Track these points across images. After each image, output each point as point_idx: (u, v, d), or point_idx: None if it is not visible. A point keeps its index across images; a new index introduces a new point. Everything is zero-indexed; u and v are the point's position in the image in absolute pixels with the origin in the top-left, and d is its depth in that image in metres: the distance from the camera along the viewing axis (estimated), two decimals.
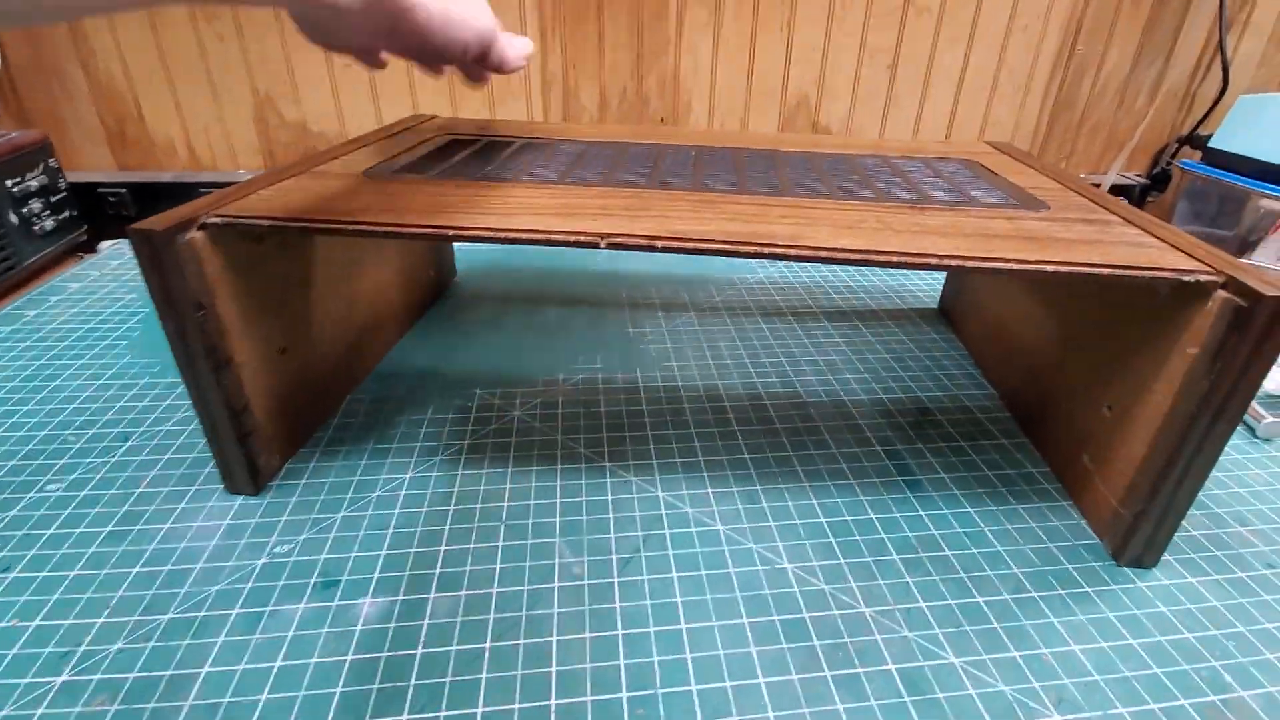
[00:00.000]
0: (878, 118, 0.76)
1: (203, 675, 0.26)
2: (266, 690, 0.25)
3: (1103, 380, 0.34)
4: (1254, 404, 0.43)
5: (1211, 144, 0.73)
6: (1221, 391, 0.27)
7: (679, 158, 0.42)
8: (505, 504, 0.34)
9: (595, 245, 0.29)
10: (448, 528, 0.32)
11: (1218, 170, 0.72)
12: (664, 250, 0.29)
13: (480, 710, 0.24)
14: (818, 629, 0.28)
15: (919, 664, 0.27)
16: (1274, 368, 0.45)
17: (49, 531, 0.32)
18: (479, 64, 0.35)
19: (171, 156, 0.72)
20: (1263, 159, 0.68)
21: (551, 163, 0.40)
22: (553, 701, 0.25)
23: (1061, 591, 0.30)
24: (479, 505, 0.34)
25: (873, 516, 0.34)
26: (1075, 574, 0.31)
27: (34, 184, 0.57)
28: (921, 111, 0.76)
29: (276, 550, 0.31)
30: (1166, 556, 0.32)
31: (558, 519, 0.33)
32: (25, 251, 0.56)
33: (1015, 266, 0.28)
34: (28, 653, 0.26)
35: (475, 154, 0.41)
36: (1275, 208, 0.68)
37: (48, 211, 0.58)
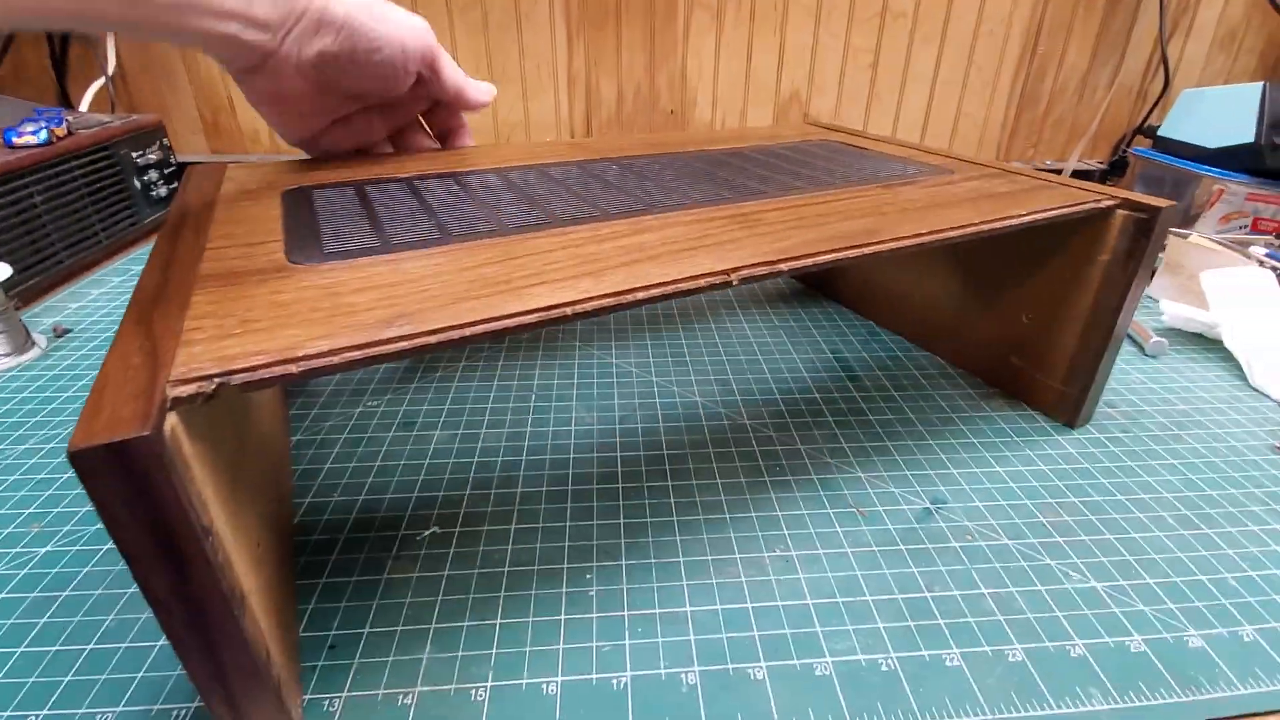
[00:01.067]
0: (862, 112, 0.87)
1: None
2: None
3: (1013, 300, 0.43)
4: (1143, 325, 0.52)
5: (1160, 133, 0.82)
6: (1134, 281, 0.37)
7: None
8: None
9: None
10: None
11: (1164, 155, 0.81)
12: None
13: None
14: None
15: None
16: (1170, 301, 0.54)
17: None
18: (434, 100, 0.35)
19: (255, 143, 0.85)
20: (1201, 144, 0.77)
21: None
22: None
23: (1019, 440, 0.40)
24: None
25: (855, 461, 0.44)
26: (1028, 432, 0.41)
27: (152, 157, 0.69)
28: (900, 107, 0.86)
29: None
30: (1040, 422, 0.42)
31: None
32: (144, 213, 0.69)
33: (1001, 223, 0.32)
34: None
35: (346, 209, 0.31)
36: (1214, 188, 0.77)
37: (161, 181, 0.71)
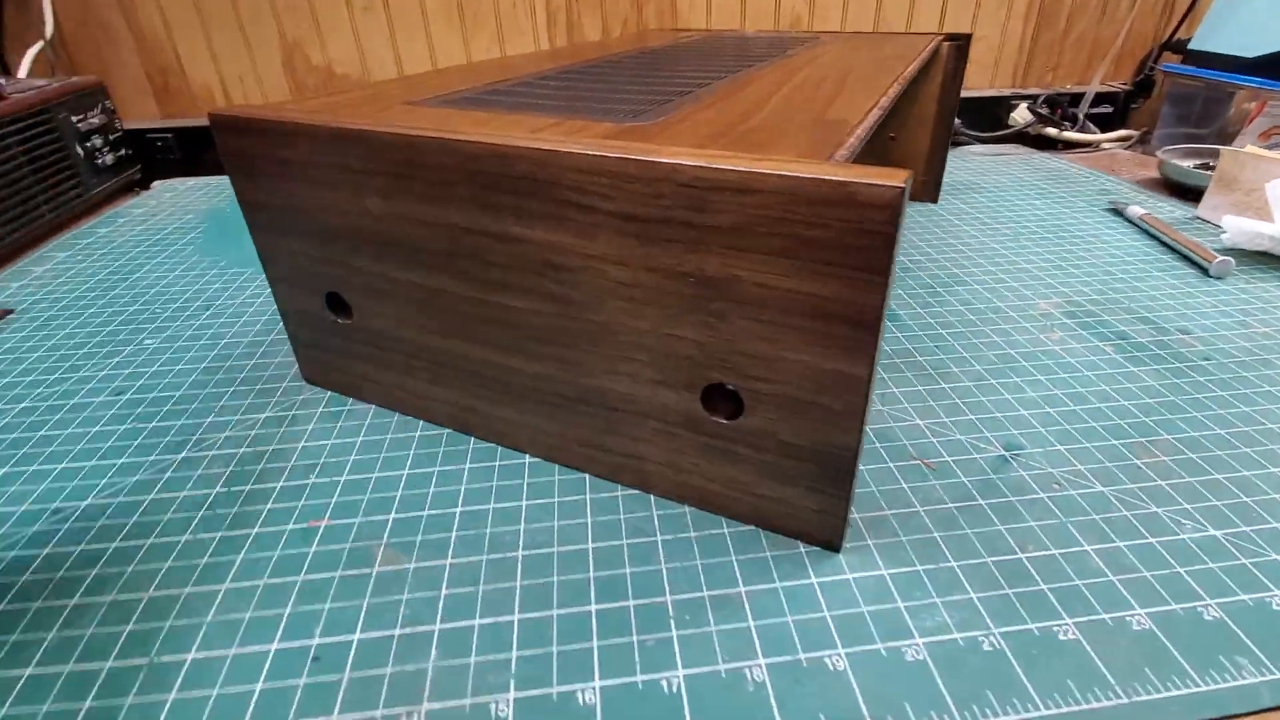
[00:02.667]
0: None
1: (299, 447, 0.31)
2: (349, 462, 0.31)
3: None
4: (1207, 249, 0.47)
5: (1191, 46, 0.76)
6: (958, 74, 0.56)
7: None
8: None
9: None
10: None
11: (1198, 69, 0.75)
12: None
13: None
14: None
15: None
16: (1234, 218, 0.49)
17: (153, 369, 0.38)
18: None
19: (210, 103, 0.78)
20: (1239, 54, 0.71)
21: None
22: None
23: (1090, 374, 0.35)
24: None
25: None
26: (1099, 365, 0.36)
27: (95, 122, 0.62)
28: (910, 25, 0.80)
29: None
30: (1114, 355, 0.37)
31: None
32: (90, 182, 0.62)
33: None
34: (150, 441, 0.32)
35: None
36: (1253, 101, 0.71)
37: (107, 148, 0.64)
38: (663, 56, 0.45)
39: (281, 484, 0.29)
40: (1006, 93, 0.82)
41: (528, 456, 0.30)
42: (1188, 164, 0.65)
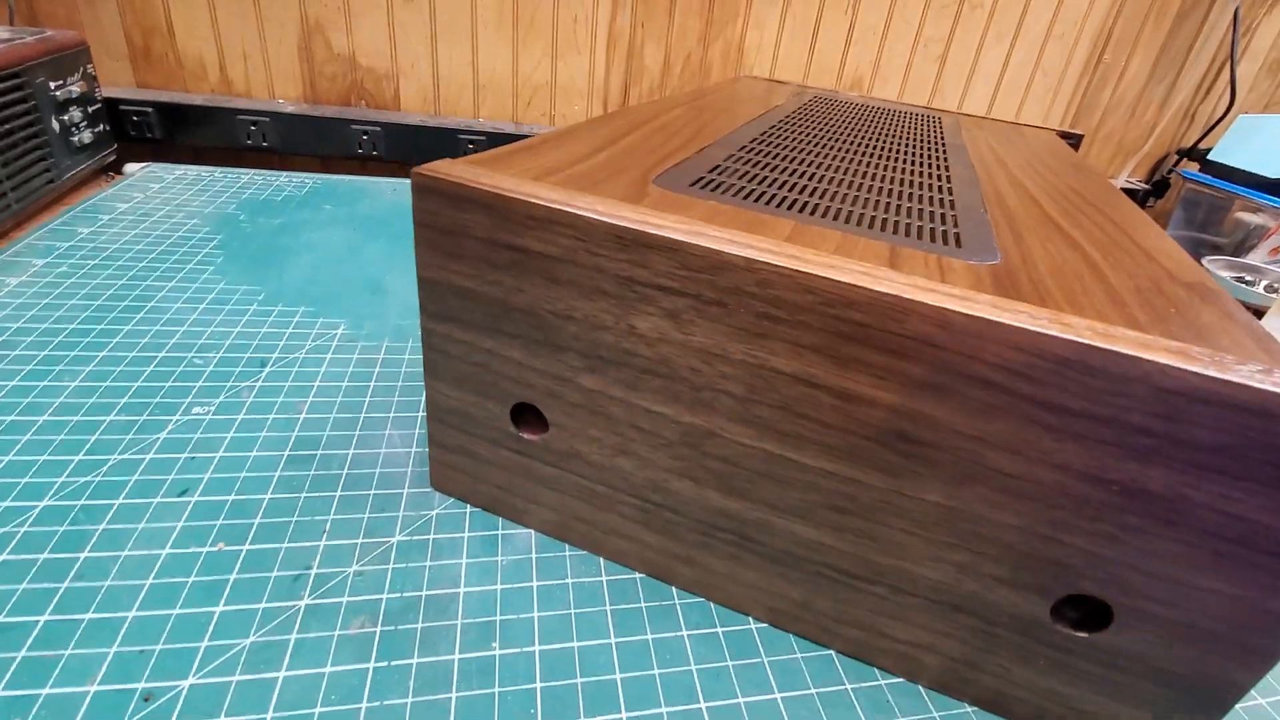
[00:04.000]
0: (924, 104, 0.79)
1: (460, 595, 0.25)
2: (535, 621, 0.24)
3: None
4: None
5: (1210, 157, 0.81)
6: None
7: None
8: None
9: None
10: None
11: (1217, 179, 0.79)
12: None
13: None
14: None
15: None
16: None
17: (218, 454, 0.29)
18: None
19: (200, 79, 0.67)
20: (1259, 172, 0.76)
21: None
22: None
23: None
24: None
25: None
26: None
27: (75, 90, 0.51)
28: (963, 104, 0.80)
29: None
30: None
31: None
32: (63, 165, 0.51)
33: None
34: (252, 577, 0.24)
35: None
36: (1255, 220, 0.76)
37: (85, 123, 0.53)
38: (824, 129, 0.41)
39: (458, 656, 0.22)
40: None
41: (752, 621, 0.25)
42: (1228, 275, 0.68)
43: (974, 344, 0.18)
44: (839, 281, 0.18)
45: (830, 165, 0.31)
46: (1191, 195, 0.83)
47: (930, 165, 0.34)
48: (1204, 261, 0.68)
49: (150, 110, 0.63)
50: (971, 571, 0.21)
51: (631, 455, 0.24)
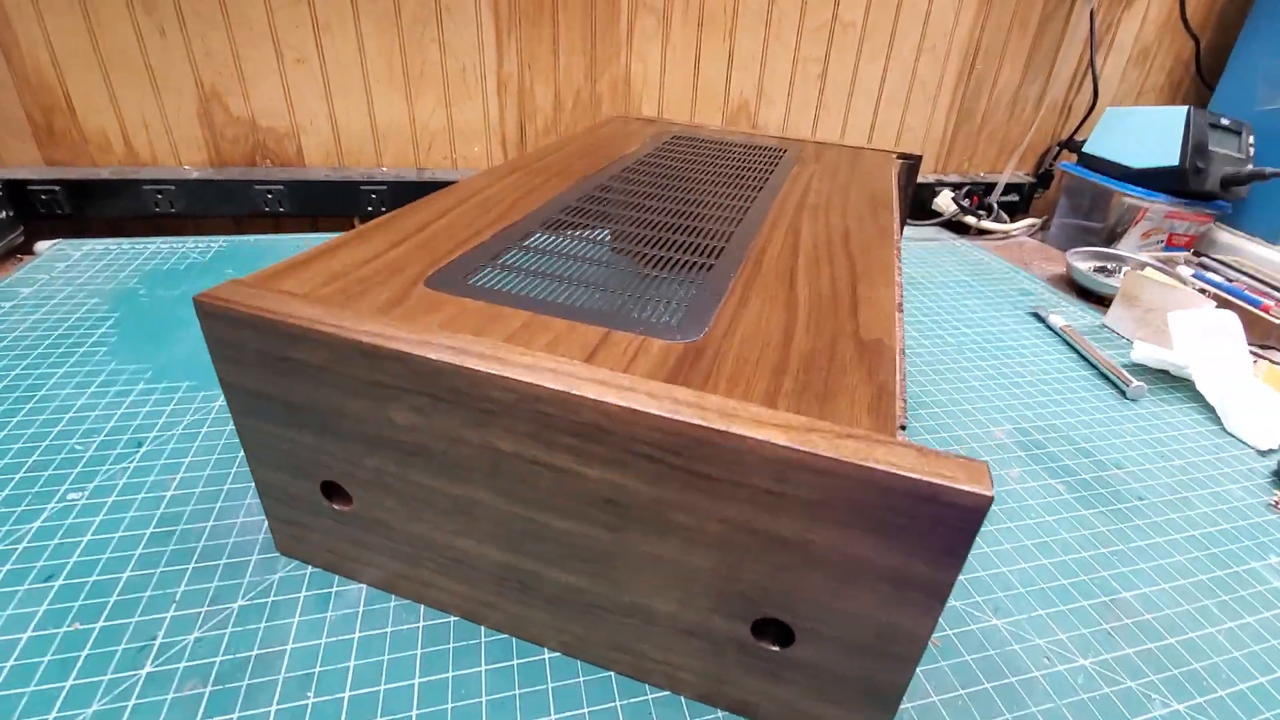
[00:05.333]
0: (810, 122, 0.84)
1: (288, 651, 0.28)
2: (350, 669, 0.28)
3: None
4: (1122, 370, 0.53)
5: (1084, 149, 0.85)
6: (909, 188, 0.59)
7: None
8: None
9: None
10: None
11: (1089, 171, 0.84)
12: None
13: None
14: None
15: None
16: (1141, 342, 0.55)
17: (85, 538, 0.33)
18: None
19: (106, 152, 0.69)
20: (1125, 163, 0.81)
21: None
22: None
23: (1030, 517, 0.38)
24: None
25: None
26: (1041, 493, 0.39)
27: None
28: (847, 119, 0.84)
29: None
30: (1065, 495, 0.41)
31: None
32: None
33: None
34: (101, 652, 0.28)
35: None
36: (1135, 204, 0.80)
37: None
38: (654, 179, 0.45)
39: (275, 707, 0.26)
40: (931, 179, 0.88)
41: (546, 651, 0.29)
42: (1088, 265, 0.73)
43: (632, 427, 0.21)
44: (525, 382, 0.22)
45: (621, 232, 0.35)
46: (1073, 184, 0.87)
47: (727, 215, 0.38)
48: (1068, 255, 0.72)
49: (57, 188, 0.66)
50: (689, 604, 0.25)
51: (422, 521, 0.28)
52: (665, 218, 0.38)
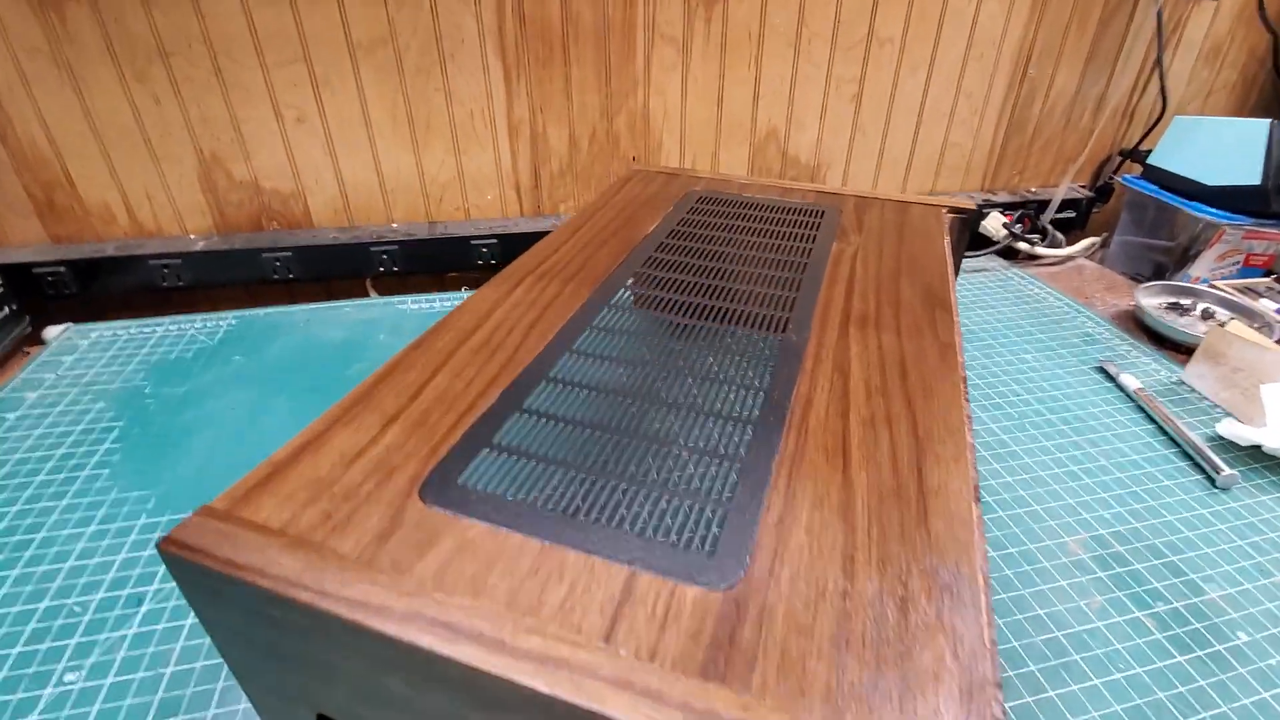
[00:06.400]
0: (844, 147, 0.77)
1: None
2: None
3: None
4: (1210, 451, 0.47)
5: (1150, 160, 0.77)
6: (961, 244, 0.51)
7: None
8: None
9: None
10: None
11: (1156, 188, 0.76)
12: None
13: None
14: None
15: None
16: (1228, 419, 0.49)
17: None
18: None
19: (110, 224, 0.67)
20: (1198, 179, 0.73)
21: None
22: None
23: None
24: None
25: None
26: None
27: None
28: (886, 139, 0.78)
29: None
30: (1156, 634, 0.36)
31: None
32: None
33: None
34: None
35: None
36: (1210, 224, 0.73)
37: None
38: (676, 276, 0.41)
39: None
40: (978, 199, 0.82)
41: None
42: (1159, 302, 0.67)
43: None
44: (529, 688, 0.18)
45: (638, 378, 0.31)
46: (1137, 199, 0.80)
47: (761, 335, 0.34)
48: (1137, 292, 0.66)
49: (63, 269, 0.64)
50: None
51: None
52: (689, 345, 0.34)
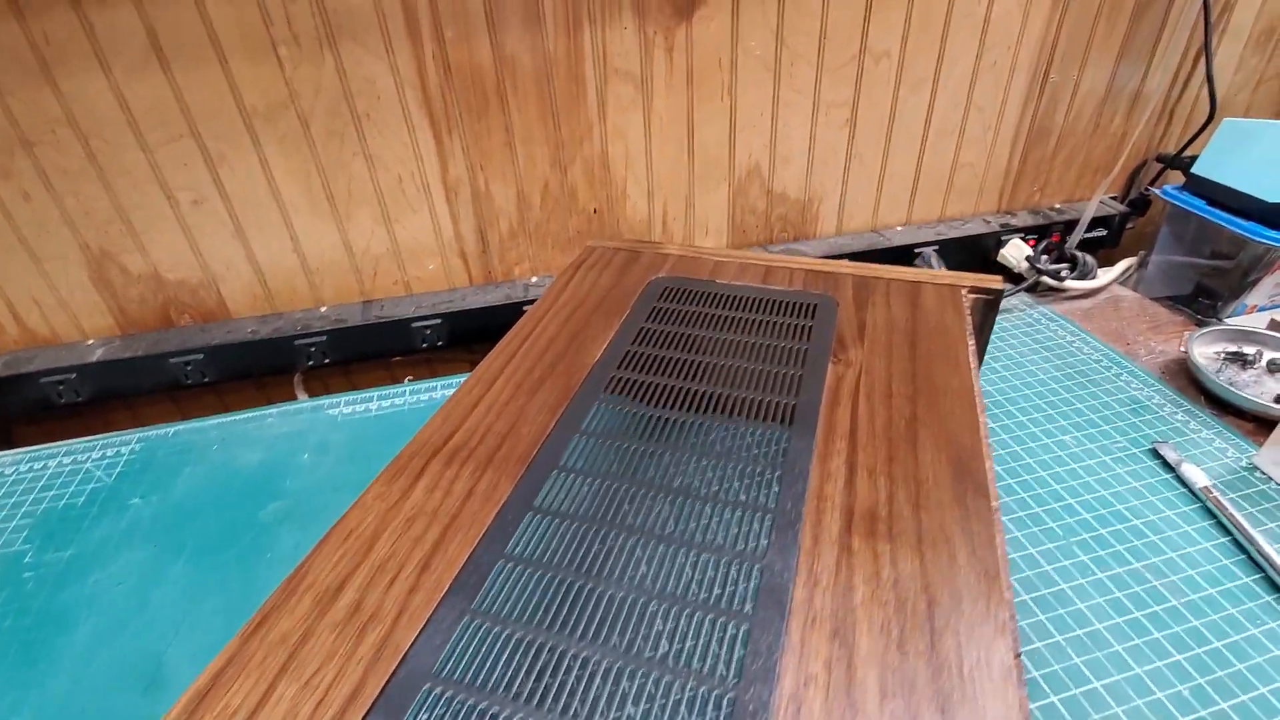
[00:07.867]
0: (838, 177, 0.67)
1: None
2: None
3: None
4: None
5: (1195, 170, 0.67)
6: (986, 328, 0.43)
7: None
8: None
9: None
10: None
11: (1202, 204, 0.66)
12: None
13: None
14: None
15: None
16: None
17: None
18: None
19: None
20: (1249, 192, 0.62)
21: None
22: None
23: None
24: None
25: None
26: None
27: None
28: (886, 164, 0.67)
29: None
30: None
31: None
32: None
33: None
34: None
35: None
36: (1273, 249, 0.62)
37: None
38: (636, 427, 0.31)
39: None
40: (994, 222, 0.71)
41: None
42: (1215, 351, 0.57)
43: None
44: None
45: (612, 568, 0.22)
46: (1178, 213, 0.69)
47: (744, 531, 0.25)
48: (1191, 341, 0.56)
49: None
50: None
51: None
52: (652, 542, 0.25)
